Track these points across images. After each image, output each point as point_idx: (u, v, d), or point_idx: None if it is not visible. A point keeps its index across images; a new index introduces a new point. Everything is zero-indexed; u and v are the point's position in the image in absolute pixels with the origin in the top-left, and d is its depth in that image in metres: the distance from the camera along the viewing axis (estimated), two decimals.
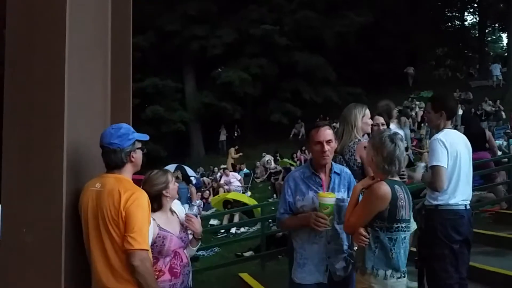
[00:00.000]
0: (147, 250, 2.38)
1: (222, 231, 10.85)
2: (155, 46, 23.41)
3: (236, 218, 10.98)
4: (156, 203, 2.90)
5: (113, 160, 2.48)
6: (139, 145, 2.57)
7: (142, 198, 2.42)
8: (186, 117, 24.05)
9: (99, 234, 2.38)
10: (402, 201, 2.54)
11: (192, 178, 16.05)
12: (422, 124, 16.40)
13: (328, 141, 2.84)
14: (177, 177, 3.96)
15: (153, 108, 22.80)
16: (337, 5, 23.65)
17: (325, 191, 2.83)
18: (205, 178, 17.77)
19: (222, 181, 15.52)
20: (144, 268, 2.33)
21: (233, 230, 10.82)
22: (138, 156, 2.56)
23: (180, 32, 23.40)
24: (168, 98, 23.78)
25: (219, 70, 23.31)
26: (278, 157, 18.49)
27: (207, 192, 14.88)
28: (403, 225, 2.56)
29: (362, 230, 2.56)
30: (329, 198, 2.73)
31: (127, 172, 2.53)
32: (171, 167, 15.05)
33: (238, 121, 24.91)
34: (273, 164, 17.14)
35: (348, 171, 3.06)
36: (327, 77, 23.28)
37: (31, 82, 2.44)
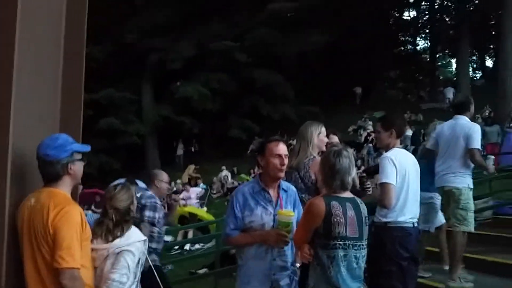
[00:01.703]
0: (78, 268, 2.24)
1: (176, 247, 10.64)
2: (112, 57, 22.94)
3: (190, 234, 10.80)
4: (129, 217, 2.82)
5: (48, 173, 2.35)
6: (78, 156, 2.43)
7: (72, 213, 2.28)
8: (142, 130, 23.54)
9: (32, 251, 2.26)
10: (338, 217, 2.47)
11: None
12: (365, 145, 16.64)
13: (286, 155, 2.87)
14: None
15: (108, 120, 22.17)
16: (297, 23, 24.08)
17: (282, 208, 2.81)
18: None
19: (181, 196, 15.26)
20: (72, 287, 2.20)
21: (187, 246, 10.62)
22: (76, 168, 2.42)
23: (138, 43, 23.05)
24: (123, 109, 23.19)
25: (178, 84, 23.07)
26: (235, 173, 18.43)
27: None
28: (341, 242, 2.47)
29: (305, 247, 2.53)
30: (289, 217, 2.72)
31: (65, 186, 2.39)
32: (121, 182, 14.61)
33: (196, 136, 24.71)
34: (230, 180, 17.07)
35: (294, 189, 3.07)
36: (285, 94, 23.55)
37: None
